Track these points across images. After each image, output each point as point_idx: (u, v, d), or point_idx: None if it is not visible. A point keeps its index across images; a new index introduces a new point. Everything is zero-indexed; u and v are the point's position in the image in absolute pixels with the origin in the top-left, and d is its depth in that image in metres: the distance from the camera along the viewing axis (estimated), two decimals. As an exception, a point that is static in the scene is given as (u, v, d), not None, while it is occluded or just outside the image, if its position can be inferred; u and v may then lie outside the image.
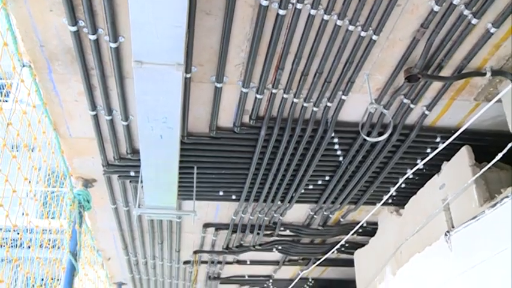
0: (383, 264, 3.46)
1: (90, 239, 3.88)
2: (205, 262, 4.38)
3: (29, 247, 2.82)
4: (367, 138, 2.49)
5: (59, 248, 3.09)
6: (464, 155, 2.61)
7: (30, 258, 2.71)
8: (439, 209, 2.74)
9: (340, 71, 2.29)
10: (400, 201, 3.29)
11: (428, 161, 2.69)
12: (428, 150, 2.79)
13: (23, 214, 2.48)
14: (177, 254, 4.15)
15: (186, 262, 4.38)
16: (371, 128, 2.63)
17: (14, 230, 2.31)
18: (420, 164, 2.81)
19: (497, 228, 2.22)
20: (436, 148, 2.62)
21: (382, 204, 3.23)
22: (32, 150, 2.48)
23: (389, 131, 2.44)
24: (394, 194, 3.17)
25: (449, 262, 2.61)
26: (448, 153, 2.73)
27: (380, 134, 2.57)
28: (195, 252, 4.16)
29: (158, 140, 2.23)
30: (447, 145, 2.52)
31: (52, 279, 2.84)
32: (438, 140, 2.71)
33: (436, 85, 2.38)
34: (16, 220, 2.14)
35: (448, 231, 2.63)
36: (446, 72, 2.28)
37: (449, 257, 2.62)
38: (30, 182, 2.42)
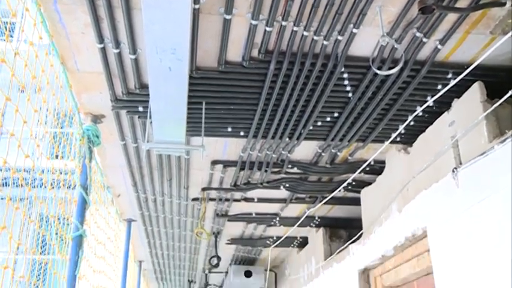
0: (389, 201, 3.50)
1: (100, 175, 3.94)
2: (213, 199, 4.45)
3: (44, 186, 2.86)
4: (378, 72, 2.46)
5: (73, 188, 3.12)
6: (476, 91, 2.58)
7: (47, 198, 2.76)
8: (447, 146, 2.74)
9: (352, 2, 2.23)
10: (409, 139, 3.29)
11: (438, 98, 2.66)
12: (439, 86, 2.76)
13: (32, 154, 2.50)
14: (185, 191, 4.21)
15: (194, 199, 4.45)
16: (381, 63, 2.59)
17: (26, 171, 2.35)
18: (430, 101, 2.78)
19: (506, 163, 2.22)
20: (447, 85, 2.59)
21: (390, 143, 3.24)
22: (40, 90, 2.47)
23: (400, 64, 2.40)
24: (402, 131, 3.16)
25: (456, 198, 2.64)
26: (459, 90, 2.69)
27: (390, 69, 2.53)
28: (203, 189, 4.22)
29: (167, 72, 2.21)
30: (459, 81, 2.48)
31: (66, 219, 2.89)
32: (450, 76, 2.67)
33: (451, 17, 2.31)
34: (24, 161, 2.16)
35: (455, 168, 2.64)
36: (462, 3, 2.21)
37: (455, 193, 2.63)
38: (39, 121, 2.43)
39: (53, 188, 2.93)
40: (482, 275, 2.41)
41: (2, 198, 2.01)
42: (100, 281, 3.90)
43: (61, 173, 3.06)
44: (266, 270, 6.73)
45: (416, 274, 3.40)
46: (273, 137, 3.26)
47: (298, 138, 3.29)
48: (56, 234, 2.86)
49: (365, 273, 4.07)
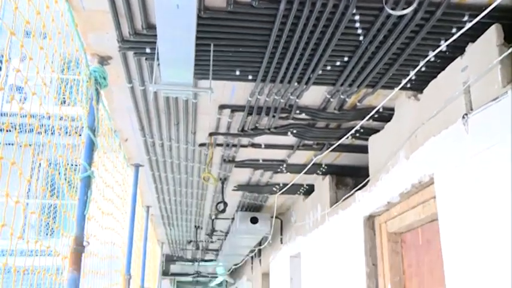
0: (397, 149, 3.48)
1: (107, 119, 3.93)
2: (221, 145, 4.45)
3: (51, 133, 2.84)
4: (392, 12, 2.39)
5: (80, 135, 3.11)
6: (492, 34, 2.50)
7: (55, 144, 2.76)
8: (458, 91, 2.69)
9: None
10: (419, 85, 3.23)
11: (452, 42, 2.59)
12: (454, 30, 2.68)
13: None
14: (192, 136, 4.21)
15: (201, 144, 4.46)
16: (395, 4, 2.51)
17: (33, 116, 2.33)
18: (443, 46, 2.72)
19: (518, 108, 2.19)
20: (462, 28, 2.51)
21: (401, 89, 3.19)
22: (45, 36, 2.42)
23: (414, 4, 2.33)
24: (413, 77, 3.11)
25: (465, 145, 2.61)
26: (475, 34, 2.61)
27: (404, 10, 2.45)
28: (211, 134, 4.21)
29: (175, 10, 2.16)
30: (474, 24, 2.41)
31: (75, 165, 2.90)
32: (466, 18, 2.59)
33: (469, -44, 2.23)
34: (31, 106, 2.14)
35: (466, 114, 2.60)
36: None
37: (465, 139, 2.61)
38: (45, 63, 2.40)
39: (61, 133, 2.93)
40: (488, 221, 2.42)
41: (11, 144, 2.01)
42: (109, 223, 3.97)
43: (69, 119, 3.05)
44: (272, 217, 6.82)
45: (421, 221, 3.43)
46: (281, 81, 3.22)
47: (306, 83, 3.24)
48: (65, 175, 2.88)
49: (370, 220, 4.11)
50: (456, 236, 2.70)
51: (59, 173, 2.92)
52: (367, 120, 3.57)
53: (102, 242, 3.72)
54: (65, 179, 3.02)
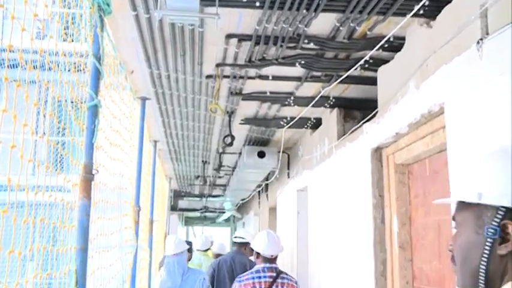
0: (407, 79, 3.42)
1: (112, 49, 3.86)
2: (228, 77, 4.40)
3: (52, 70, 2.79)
4: None
5: (84, 72, 3.05)
6: (511, -48, 2.38)
7: (59, 81, 2.71)
8: (474, 15, 2.60)
9: None
10: (432, 12, 3.12)
11: (469, -37, 2.48)
12: (471, -50, 2.56)
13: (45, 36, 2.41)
14: (199, 67, 4.15)
15: (208, 76, 4.41)
16: None
17: (35, 52, 2.27)
18: (460, -32, 2.60)
19: (536, 31, 2.11)
20: None
21: (412, 16, 3.08)
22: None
23: None
24: (426, 3, 3.00)
25: (478, 71, 2.55)
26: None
27: None
28: (218, 65, 4.15)
29: None
30: None
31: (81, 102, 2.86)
32: None
33: None
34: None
35: (481, 39, 2.53)
36: None
37: (478, 66, 2.55)
38: None
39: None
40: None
41: (14, 80, 1.97)
42: (117, 155, 3.98)
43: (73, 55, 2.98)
44: (279, 151, 6.86)
45: (429, 151, 3.42)
46: (289, 8, 3.12)
47: (315, 10, 3.14)
48: (72, 102, 2.85)
49: (377, 152, 4.11)
50: (464, 166, 2.69)
51: (66, 101, 2.90)
52: (377, 50, 3.48)
53: (111, 173, 3.75)
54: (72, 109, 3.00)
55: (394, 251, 3.83)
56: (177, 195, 14.25)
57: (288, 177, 7.61)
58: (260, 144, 7.13)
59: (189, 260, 6.41)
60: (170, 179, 10.99)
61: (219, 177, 10.37)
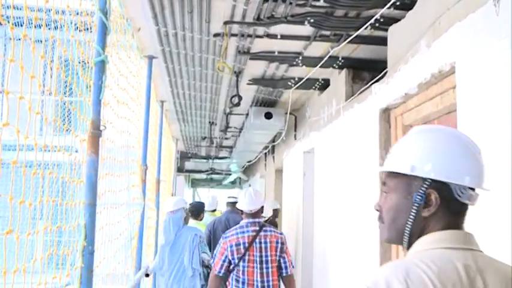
0: (418, 38, 3.36)
1: (119, 5, 3.81)
2: (235, 35, 4.34)
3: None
4: None
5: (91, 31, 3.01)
6: None
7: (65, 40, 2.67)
8: (490, -29, 2.52)
9: None
10: (447, -32, 3.04)
11: None
12: None
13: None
14: (206, 25, 4.09)
15: (216, 35, 4.35)
16: None
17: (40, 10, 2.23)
18: None
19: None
20: None
21: (426, -28, 3.01)
22: None
23: None
24: (441, -41, 2.92)
25: (492, 28, 2.49)
26: None
27: None
28: (225, 23, 4.08)
29: None
30: None
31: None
32: None
33: None
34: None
35: (497, -5, 2.46)
36: None
37: (494, 22, 2.48)
38: None
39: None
40: (508, 110, 2.36)
41: (18, 39, 1.94)
42: (124, 113, 3.98)
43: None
44: (286, 113, 6.84)
45: (438, 112, 3.39)
46: (300, -37, 3.05)
47: (327, -35, 3.07)
48: (79, 62, 2.83)
49: (386, 113, 4.08)
50: (475, 126, 2.67)
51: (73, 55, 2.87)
52: (388, 8, 3.41)
53: (119, 131, 3.75)
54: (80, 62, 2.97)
55: (400, 212, 3.85)
56: (183, 156, 14.32)
57: (295, 139, 7.61)
58: (267, 106, 7.09)
59: (200, 219, 6.49)
60: (177, 140, 11.02)
61: (226, 138, 10.38)
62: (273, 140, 8.59)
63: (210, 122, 8.51)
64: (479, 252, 1.26)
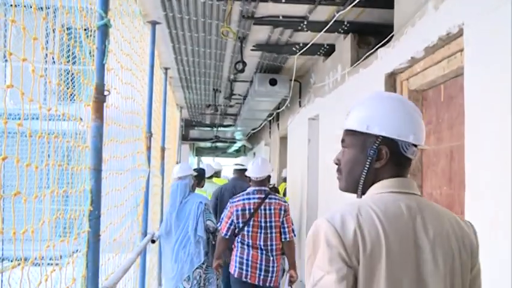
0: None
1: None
2: (239, -1, 4.28)
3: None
4: None
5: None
6: None
7: None
8: None
9: None
10: None
11: None
12: None
13: None
14: (210, -12, 4.03)
15: (219, -1, 4.29)
16: None
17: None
18: None
19: None
20: None
21: None
22: None
23: None
24: None
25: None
26: None
27: None
28: (229, -14, 4.03)
29: None
30: None
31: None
32: None
33: None
34: None
35: (507, -46, 2.40)
36: None
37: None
38: None
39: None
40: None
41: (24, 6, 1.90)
42: (128, 79, 3.95)
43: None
44: (291, 79, 6.79)
45: (444, 76, 3.36)
46: None
47: None
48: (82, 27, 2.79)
49: (391, 78, 4.04)
50: (481, 90, 2.64)
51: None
52: (396, -31, 3.34)
53: (123, 97, 3.74)
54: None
55: (405, 177, 3.85)
56: (188, 124, 14.32)
57: (300, 105, 7.58)
58: (272, 72, 7.04)
59: (201, 186, 6.52)
60: (181, 108, 11.00)
61: (230, 106, 10.35)
62: (278, 107, 8.57)
63: (214, 89, 8.47)
64: (420, 196, 1.51)
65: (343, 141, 1.60)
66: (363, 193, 1.52)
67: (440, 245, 1.43)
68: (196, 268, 5.03)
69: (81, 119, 2.74)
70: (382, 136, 1.48)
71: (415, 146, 1.51)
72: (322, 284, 1.36)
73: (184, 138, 14.52)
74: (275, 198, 4.61)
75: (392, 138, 1.48)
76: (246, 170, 6.07)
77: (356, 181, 1.53)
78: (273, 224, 4.52)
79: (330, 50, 5.71)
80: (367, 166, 1.49)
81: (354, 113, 1.59)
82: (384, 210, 1.40)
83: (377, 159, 1.49)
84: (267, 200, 4.56)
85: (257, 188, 4.63)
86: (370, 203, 1.43)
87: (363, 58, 4.53)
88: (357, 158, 1.52)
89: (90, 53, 2.72)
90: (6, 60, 1.64)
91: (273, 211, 4.53)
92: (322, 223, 1.40)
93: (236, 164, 6.39)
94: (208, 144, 18.83)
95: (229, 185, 6.12)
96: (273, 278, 4.56)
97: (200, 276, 5.07)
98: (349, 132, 1.57)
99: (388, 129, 1.48)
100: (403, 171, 1.51)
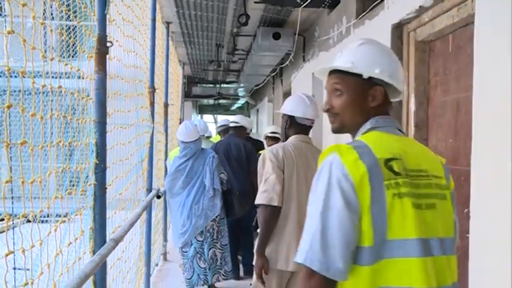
0: None
1: None
2: None
3: None
4: None
5: None
6: None
7: None
8: None
9: None
10: None
11: None
12: None
13: None
14: None
15: None
16: None
17: None
18: None
19: None
20: None
21: None
22: None
23: None
24: None
25: None
26: None
27: None
28: None
29: None
30: None
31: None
32: None
33: None
34: None
35: None
36: None
37: None
38: None
39: None
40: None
41: None
42: (129, 31, 3.89)
43: None
44: (295, 33, 6.67)
45: (453, 26, 3.28)
46: None
47: None
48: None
49: (398, 29, 3.96)
50: (492, 39, 2.58)
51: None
52: None
53: (125, 50, 3.68)
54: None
55: (410, 130, 3.83)
56: (190, 81, 14.22)
57: (303, 60, 7.48)
58: (275, 26, 6.92)
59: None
60: (184, 64, 10.89)
61: (233, 62, 10.24)
62: (281, 63, 8.46)
63: (217, 44, 8.35)
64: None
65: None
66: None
67: (306, 164, 3.28)
68: (210, 221, 5.08)
69: (83, 78, 2.70)
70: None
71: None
72: (269, 179, 3.14)
73: (187, 95, 14.44)
74: None
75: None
76: (241, 127, 6.19)
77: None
78: None
79: (334, 2, 5.58)
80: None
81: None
82: (294, 147, 3.29)
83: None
84: None
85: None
86: (290, 143, 3.31)
87: (369, 9, 4.43)
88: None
89: (91, 2, 2.66)
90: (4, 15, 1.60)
91: None
92: (267, 152, 3.26)
93: (232, 122, 6.40)
94: (211, 101, 18.75)
95: (224, 141, 6.13)
96: None
97: (213, 229, 5.14)
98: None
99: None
100: None
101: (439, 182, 1.56)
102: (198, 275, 5.11)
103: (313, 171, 1.60)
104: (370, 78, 1.66)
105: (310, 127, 3.53)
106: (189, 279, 5.14)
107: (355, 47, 1.74)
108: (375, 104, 1.66)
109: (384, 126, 1.64)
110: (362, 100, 1.66)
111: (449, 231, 1.54)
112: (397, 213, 1.40)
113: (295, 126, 3.40)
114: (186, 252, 5.13)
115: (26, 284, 1.65)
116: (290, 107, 3.41)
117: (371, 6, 4.36)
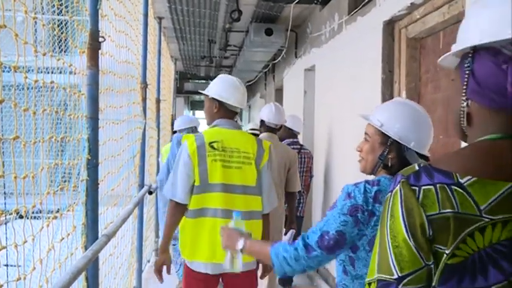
0: None
1: None
2: None
3: None
4: None
5: None
6: None
7: None
8: None
9: None
10: None
11: None
12: None
13: None
14: None
15: None
16: None
17: None
18: None
19: None
20: None
21: None
22: None
23: None
24: None
25: None
26: None
27: None
28: None
29: None
30: None
31: None
32: None
33: None
34: None
35: None
36: None
37: None
38: None
39: None
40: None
41: None
42: (122, 26, 3.88)
43: None
44: (287, 29, 6.68)
45: (444, 23, 3.31)
46: None
47: None
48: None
49: (390, 25, 3.98)
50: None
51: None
52: None
53: (117, 45, 3.67)
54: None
55: (401, 126, 3.86)
56: (182, 77, 14.19)
57: (296, 56, 7.49)
58: (268, 22, 6.92)
59: None
60: (176, 60, 10.86)
61: (225, 57, 10.23)
62: (273, 59, 8.47)
63: (209, 40, 8.34)
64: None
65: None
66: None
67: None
68: None
69: (74, 73, 2.69)
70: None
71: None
72: None
73: (179, 91, 14.40)
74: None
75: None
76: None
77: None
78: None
79: (327, -2, 5.60)
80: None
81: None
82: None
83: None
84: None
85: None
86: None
87: (361, 6, 4.44)
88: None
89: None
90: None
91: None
92: None
93: None
94: (203, 97, 18.69)
95: None
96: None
97: None
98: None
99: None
100: None
101: (247, 155, 2.87)
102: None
103: None
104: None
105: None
106: (178, 271, 5.15)
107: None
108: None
109: (221, 125, 2.95)
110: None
111: (251, 181, 2.86)
112: (212, 169, 2.81)
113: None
114: (175, 245, 5.13)
115: (19, 279, 1.65)
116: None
117: (363, 3, 4.38)
